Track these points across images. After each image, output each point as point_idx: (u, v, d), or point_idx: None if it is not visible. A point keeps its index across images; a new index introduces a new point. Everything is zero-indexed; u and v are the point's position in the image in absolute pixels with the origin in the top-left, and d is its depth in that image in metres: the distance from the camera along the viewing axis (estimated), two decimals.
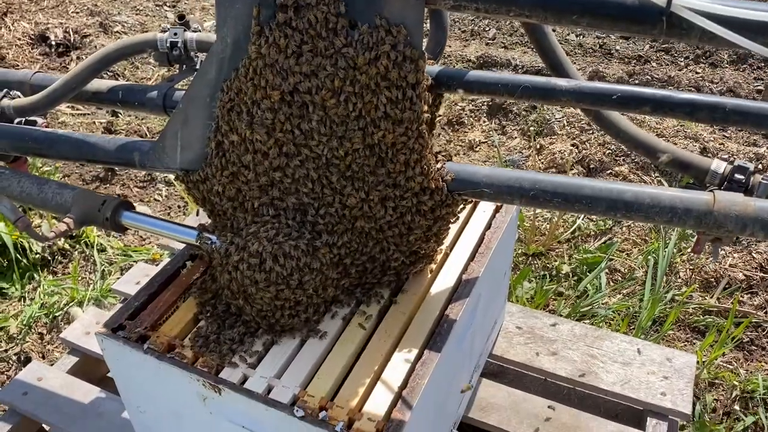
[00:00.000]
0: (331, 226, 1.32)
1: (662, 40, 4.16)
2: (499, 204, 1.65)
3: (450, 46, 4.30)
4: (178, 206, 3.10)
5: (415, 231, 1.33)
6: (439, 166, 1.28)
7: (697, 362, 2.17)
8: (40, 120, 1.66)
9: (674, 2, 0.98)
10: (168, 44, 1.53)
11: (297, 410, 1.18)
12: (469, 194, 1.28)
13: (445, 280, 1.45)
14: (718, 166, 1.26)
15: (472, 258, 1.51)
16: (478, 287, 1.45)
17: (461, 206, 1.33)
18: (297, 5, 1.15)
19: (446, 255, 1.51)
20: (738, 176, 1.24)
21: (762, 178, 1.23)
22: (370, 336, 1.34)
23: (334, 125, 1.22)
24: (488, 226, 1.60)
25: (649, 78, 3.75)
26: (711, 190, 1.18)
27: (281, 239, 1.27)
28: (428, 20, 1.43)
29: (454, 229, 1.55)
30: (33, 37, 4.37)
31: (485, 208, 1.64)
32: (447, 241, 1.52)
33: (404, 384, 1.24)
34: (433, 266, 1.48)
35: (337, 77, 1.17)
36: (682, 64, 3.97)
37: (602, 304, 2.43)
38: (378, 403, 1.20)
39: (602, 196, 1.18)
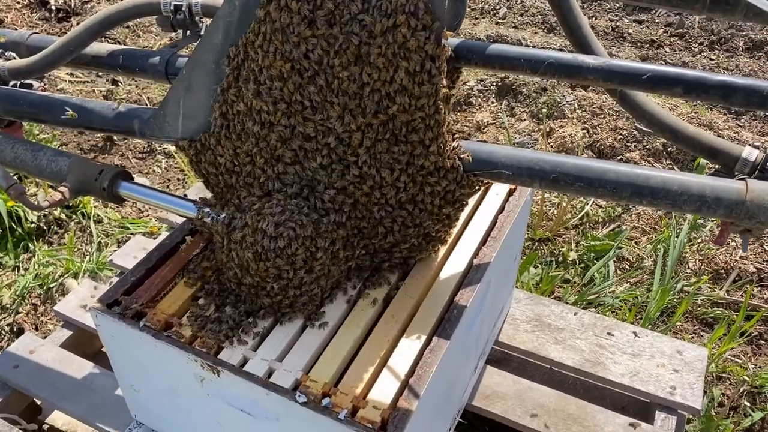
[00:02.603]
0: (339, 204, 1.25)
1: (677, 24, 4.07)
2: (513, 186, 1.58)
3: None
4: (178, 179, 3.03)
5: (428, 212, 1.27)
6: (455, 144, 1.22)
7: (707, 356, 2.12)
8: (36, 83, 1.59)
9: None
10: (172, 7, 1.46)
11: (299, 395, 1.13)
12: (486, 175, 1.22)
13: (455, 265, 1.39)
14: (750, 153, 1.20)
15: (483, 242, 1.45)
16: (489, 273, 1.39)
17: (477, 187, 1.26)
18: None
19: (457, 238, 1.45)
20: None
21: None
22: (376, 320, 1.29)
23: (346, 98, 1.15)
24: (501, 210, 1.53)
25: (663, 63, 3.67)
26: (742, 179, 1.12)
27: (287, 217, 1.20)
28: None
29: (465, 211, 1.49)
30: (33, 0, 4.27)
31: (498, 190, 1.58)
32: (458, 224, 1.46)
33: (411, 371, 1.18)
34: (444, 250, 1.42)
35: (351, 45, 1.09)
36: (696, 50, 3.88)
37: (609, 292, 2.38)
38: (384, 391, 1.15)
39: (628, 182, 1.12)
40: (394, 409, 1.12)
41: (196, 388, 1.26)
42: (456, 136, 1.24)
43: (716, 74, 1.12)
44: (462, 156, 1.21)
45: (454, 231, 1.45)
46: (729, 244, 2.57)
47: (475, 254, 1.42)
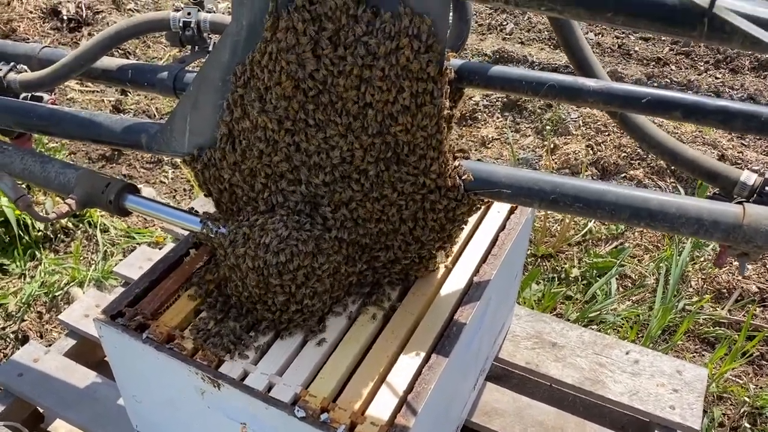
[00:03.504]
0: (341, 221, 1.27)
1: (683, 43, 4.09)
2: (514, 205, 1.60)
3: None
4: (184, 189, 3.05)
5: (429, 230, 1.29)
6: (456, 164, 1.23)
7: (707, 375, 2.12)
8: (46, 96, 1.61)
9: (717, 4, 0.93)
10: (181, 24, 1.48)
11: (298, 410, 1.14)
12: (486, 194, 1.23)
13: (455, 282, 1.41)
14: (749, 177, 1.21)
15: (484, 260, 1.46)
16: (489, 290, 1.41)
17: (478, 206, 1.28)
18: None
19: (458, 255, 1.47)
20: None
21: None
22: (376, 336, 1.30)
23: (350, 117, 1.17)
24: (502, 227, 1.55)
25: (668, 81, 3.68)
26: (740, 203, 1.13)
27: (289, 232, 1.22)
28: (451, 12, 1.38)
29: (466, 228, 1.51)
30: (45, 10, 4.32)
31: (499, 208, 1.59)
32: (459, 242, 1.47)
33: (410, 388, 1.19)
34: (444, 266, 1.43)
35: (355, 67, 1.11)
36: (702, 68, 3.89)
37: (611, 310, 2.38)
38: (382, 407, 1.16)
39: (626, 204, 1.13)
40: (392, 425, 1.13)
41: (197, 401, 1.27)
42: (457, 155, 1.26)
43: (715, 99, 1.13)
44: (463, 175, 1.23)
45: (455, 248, 1.46)
46: (731, 264, 2.57)
47: (476, 271, 1.43)
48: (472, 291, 1.39)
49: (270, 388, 1.20)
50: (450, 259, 1.45)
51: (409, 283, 1.40)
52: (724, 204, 1.12)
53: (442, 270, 1.43)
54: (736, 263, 2.56)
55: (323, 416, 1.13)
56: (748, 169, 1.23)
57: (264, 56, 1.17)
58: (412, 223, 1.27)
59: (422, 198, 1.24)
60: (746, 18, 0.93)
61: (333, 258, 1.26)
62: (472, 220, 1.53)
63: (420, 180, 1.21)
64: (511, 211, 1.59)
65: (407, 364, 1.24)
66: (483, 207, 1.57)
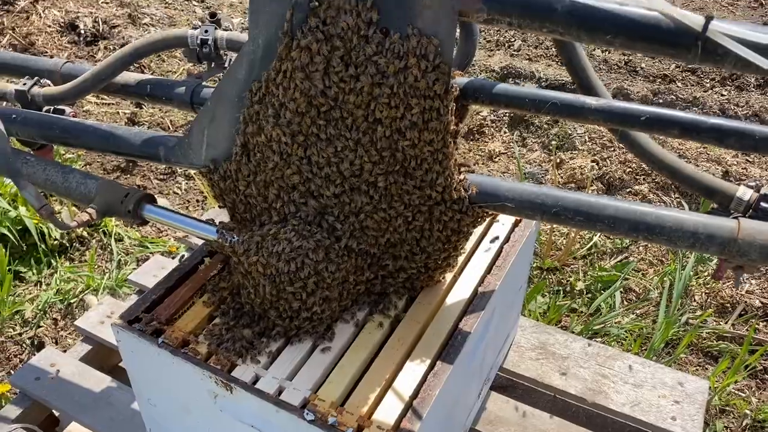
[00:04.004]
0: (350, 231, 1.32)
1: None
2: (519, 218, 1.64)
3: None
4: (197, 201, 3.12)
5: (434, 241, 1.33)
6: (461, 177, 1.28)
7: (709, 388, 2.15)
8: (68, 109, 1.68)
9: (710, 28, 0.98)
10: (198, 41, 1.54)
11: (307, 413, 1.19)
12: (490, 207, 1.28)
13: (460, 292, 1.45)
14: (744, 193, 1.25)
15: (489, 271, 1.51)
16: (493, 300, 1.45)
17: (481, 218, 1.32)
18: (331, 9, 1.15)
19: (463, 266, 1.51)
20: (764, 205, 1.23)
21: None
22: (383, 343, 1.34)
23: (360, 132, 1.22)
24: (507, 240, 1.59)
25: (674, 98, 3.73)
26: (736, 217, 1.17)
27: (300, 242, 1.27)
28: (458, 32, 1.43)
29: (471, 241, 1.55)
30: (63, 25, 4.42)
31: (504, 221, 1.64)
32: (465, 253, 1.52)
33: (415, 394, 1.23)
34: (450, 277, 1.48)
35: (366, 84, 1.17)
36: (708, 85, 3.94)
37: (615, 323, 2.42)
38: (388, 412, 1.20)
39: (625, 217, 1.18)
40: (398, 429, 1.17)
41: (210, 404, 1.32)
42: (463, 169, 1.31)
43: (710, 118, 1.18)
44: (468, 188, 1.28)
45: (461, 259, 1.51)
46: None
47: (481, 282, 1.48)
48: (476, 301, 1.43)
49: (280, 391, 1.24)
50: (456, 269, 1.49)
51: (415, 292, 1.44)
52: (719, 219, 1.16)
53: (448, 280, 1.47)
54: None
55: (331, 419, 1.18)
56: (744, 184, 1.27)
57: (279, 74, 1.23)
58: (418, 233, 1.32)
59: (429, 210, 1.29)
60: (738, 41, 0.98)
61: (342, 267, 1.31)
62: (478, 232, 1.58)
63: (426, 192, 1.26)
64: (516, 225, 1.64)
65: (413, 370, 1.28)
66: (488, 220, 1.63)
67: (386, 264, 1.37)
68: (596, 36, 1.05)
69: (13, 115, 1.60)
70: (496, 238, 1.58)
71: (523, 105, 1.29)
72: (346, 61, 1.17)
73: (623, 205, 1.19)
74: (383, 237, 1.33)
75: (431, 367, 1.28)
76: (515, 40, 4.45)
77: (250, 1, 1.23)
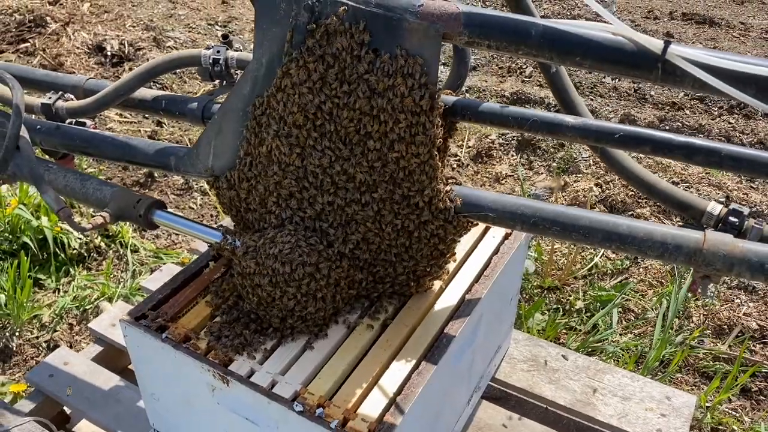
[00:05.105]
0: (342, 237, 1.41)
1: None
2: (509, 231, 1.72)
3: (486, 81, 4.41)
4: (211, 215, 3.23)
5: (422, 248, 1.42)
6: (448, 188, 1.37)
7: (701, 406, 2.19)
8: (89, 122, 1.80)
9: (669, 51, 1.06)
10: (210, 60, 1.66)
11: (296, 405, 1.27)
12: (474, 217, 1.36)
13: (448, 298, 1.53)
14: (714, 208, 1.33)
15: (477, 280, 1.58)
16: (479, 308, 1.52)
17: (467, 228, 1.41)
18: (327, 32, 1.26)
19: (453, 275, 1.59)
20: (732, 219, 1.30)
21: (755, 223, 1.29)
22: (372, 344, 1.42)
23: (352, 144, 1.32)
24: (496, 251, 1.67)
25: (680, 125, 3.79)
26: (703, 230, 1.25)
27: (294, 245, 1.36)
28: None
29: (462, 252, 1.63)
30: (91, 46, 4.62)
31: (495, 234, 1.72)
32: (454, 263, 1.60)
33: (399, 391, 1.31)
34: (439, 284, 1.56)
35: (357, 100, 1.27)
36: (716, 113, 4.00)
37: (612, 341, 2.46)
38: (373, 406, 1.28)
39: (599, 228, 1.25)
40: (381, 422, 1.25)
41: (208, 397, 1.41)
42: (450, 181, 1.39)
43: (679, 135, 1.26)
44: (453, 199, 1.36)
45: (451, 268, 1.59)
46: (733, 300, 2.64)
47: (468, 290, 1.55)
48: (463, 307, 1.51)
49: (273, 385, 1.33)
50: (446, 278, 1.57)
51: (405, 298, 1.52)
52: (687, 230, 1.23)
53: (437, 287, 1.55)
54: (737, 300, 2.63)
55: (318, 411, 1.26)
56: (714, 200, 1.34)
57: (279, 90, 1.33)
58: (407, 241, 1.41)
59: (416, 218, 1.37)
60: (695, 64, 1.06)
61: (334, 270, 1.39)
62: (468, 243, 1.66)
63: (414, 201, 1.35)
64: (506, 237, 1.71)
65: (398, 369, 1.36)
66: (480, 233, 1.71)
67: (377, 269, 1.46)
68: (567, 58, 1.14)
69: (39, 126, 1.73)
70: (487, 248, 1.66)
71: (507, 122, 1.38)
72: (340, 78, 1.28)
73: (597, 217, 1.26)
74: (373, 243, 1.41)
75: (416, 367, 1.36)
76: (527, 67, 4.55)
77: (255, 25, 1.34)
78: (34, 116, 1.81)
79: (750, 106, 1.05)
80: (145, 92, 1.77)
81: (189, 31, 5.04)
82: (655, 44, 1.07)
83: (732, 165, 1.23)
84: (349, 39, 1.24)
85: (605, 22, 1.12)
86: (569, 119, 1.32)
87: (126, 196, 1.58)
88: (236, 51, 1.69)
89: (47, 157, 1.84)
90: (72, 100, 1.80)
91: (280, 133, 1.36)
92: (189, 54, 1.69)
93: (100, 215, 1.53)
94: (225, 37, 1.73)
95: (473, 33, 1.18)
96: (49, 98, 1.77)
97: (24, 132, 1.56)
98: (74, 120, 1.78)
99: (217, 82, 1.72)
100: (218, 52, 1.67)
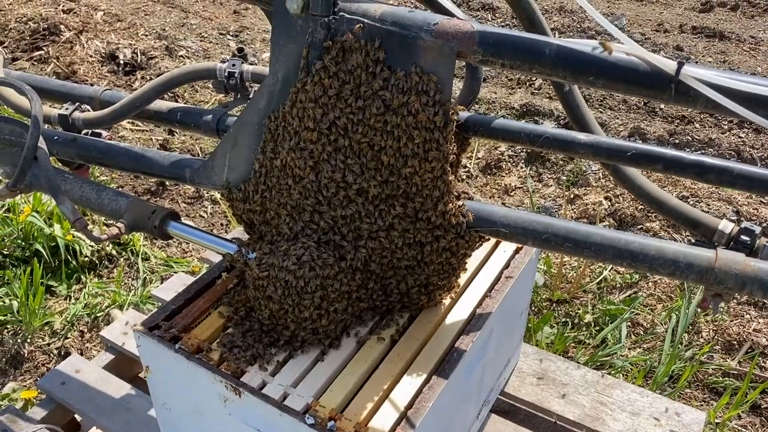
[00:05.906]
0: (354, 250, 1.42)
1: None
2: (519, 245, 1.73)
3: (495, 93, 4.43)
4: (221, 224, 3.25)
5: (434, 263, 1.43)
6: (460, 203, 1.38)
7: (710, 422, 2.18)
8: (104, 133, 1.83)
9: (683, 72, 1.07)
10: (226, 74, 1.68)
11: (308, 418, 1.28)
12: (486, 232, 1.37)
13: (459, 312, 1.54)
14: (726, 226, 1.33)
15: (487, 294, 1.59)
16: (490, 322, 1.53)
17: (479, 243, 1.42)
18: (342, 49, 1.28)
19: (463, 289, 1.60)
20: (744, 237, 1.31)
21: (767, 242, 1.29)
22: (383, 357, 1.43)
23: (366, 159, 1.33)
24: (506, 266, 1.68)
25: (690, 139, 3.79)
26: (715, 248, 1.25)
27: (308, 258, 1.38)
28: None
29: (473, 266, 1.64)
30: (104, 55, 4.67)
31: (506, 248, 1.72)
32: (465, 277, 1.61)
33: (410, 404, 1.32)
34: (450, 298, 1.56)
35: (372, 116, 1.28)
36: (726, 127, 4.00)
37: (621, 355, 2.46)
38: (384, 420, 1.29)
39: (610, 245, 1.26)
40: None
41: (220, 408, 1.42)
42: (461, 196, 1.41)
43: (691, 154, 1.27)
44: (465, 214, 1.37)
45: (462, 282, 1.60)
46: (743, 316, 2.63)
47: (479, 304, 1.56)
48: (474, 321, 1.52)
49: (285, 397, 1.34)
50: (457, 292, 1.58)
51: (416, 312, 1.53)
52: (699, 249, 1.24)
53: (448, 301, 1.56)
54: (746, 316, 2.62)
55: (330, 424, 1.27)
56: (726, 218, 1.35)
57: (294, 105, 1.35)
58: (419, 254, 1.42)
59: (428, 233, 1.39)
60: (708, 85, 1.07)
61: (346, 283, 1.41)
62: (480, 258, 1.67)
63: (426, 216, 1.36)
64: (516, 251, 1.72)
65: (409, 383, 1.36)
66: (490, 247, 1.72)
67: (389, 282, 1.47)
68: (580, 76, 1.15)
69: (56, 137, 1.75)
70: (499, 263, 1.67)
71: (519, 138, 1.39)
72: (355, 94, 1.29)
73: (608, 234, 1.27)
74: (386, 257, 1.43)
75: (427, 381, 1.37)
76: (536, 79, 4.57)
77: (272, 40, 1.36)
78: (50, 126, 1.84)
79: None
80: (160, 104, 1.79)
81: (201, 41, 5.09)
82: (668, 65, 1.08)
83: (744, 184, 1.23)
84: (365, 56, 1.26)
85: (617, 40, 1.13)
86: (581, 136, 1.34)
87: (141, 207, 1.60)
88: (251, 65, 1.71)
89: (63, 167, 1.86)
90: (88, 110, 1.83)
91: (294, 147, 1.38)
92: (204, 67, 1.71)
93: (116, 226, 1.54)
94: (240, 50, 1.75)
95: (487, 52, 1.19)
96: (66, 109, 1.80)
97: (42, 143, 1.58)
98: (90, 131, 1.80)
99: (232, 95, 1.75)
100: (233, 65, 1.69)
